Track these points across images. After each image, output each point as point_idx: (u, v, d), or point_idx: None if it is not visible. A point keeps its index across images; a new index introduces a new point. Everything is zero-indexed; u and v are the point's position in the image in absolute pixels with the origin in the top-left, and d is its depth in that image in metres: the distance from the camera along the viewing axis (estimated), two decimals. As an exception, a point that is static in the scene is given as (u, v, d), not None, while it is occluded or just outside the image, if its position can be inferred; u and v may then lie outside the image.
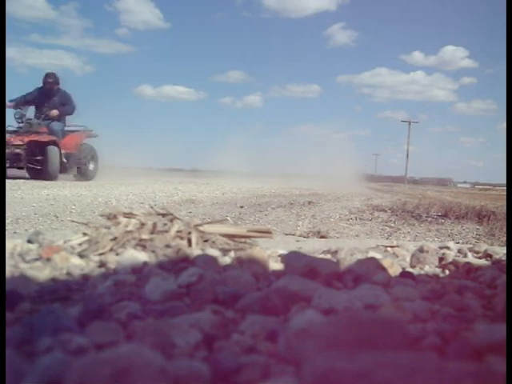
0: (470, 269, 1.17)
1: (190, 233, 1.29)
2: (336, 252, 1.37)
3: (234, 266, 1.05)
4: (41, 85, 9.06)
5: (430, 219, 4.10)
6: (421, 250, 1.31)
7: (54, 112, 8.78)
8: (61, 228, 2.53)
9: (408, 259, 1.33)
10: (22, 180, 7.28)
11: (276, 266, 1.10)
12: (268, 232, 1.44)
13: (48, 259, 1.06)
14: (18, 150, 8.24)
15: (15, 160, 8.33)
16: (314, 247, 1.63)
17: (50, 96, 8.96)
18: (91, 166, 9.65)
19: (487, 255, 1.41)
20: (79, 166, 9.32)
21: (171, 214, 1.39)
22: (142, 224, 1.30)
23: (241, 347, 0.59)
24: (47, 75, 9.02)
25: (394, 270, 1.07)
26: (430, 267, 1.25)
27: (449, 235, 3.31)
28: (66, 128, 9.20)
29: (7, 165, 8.09)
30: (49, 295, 0.82)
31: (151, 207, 1.46)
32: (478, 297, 0.88)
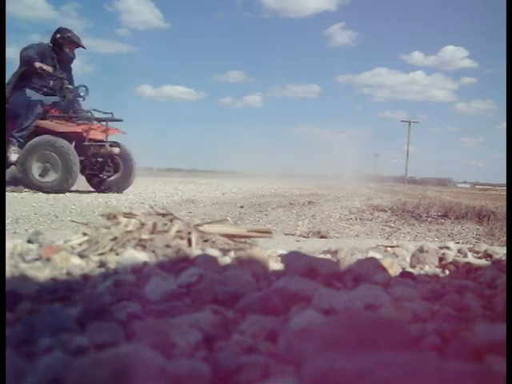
0: (469, 269, 1.17)
1: (190, 233, 1.29)
2: (336, 252, 1.37)
3: (234, 266, 1.05)
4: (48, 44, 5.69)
5: (430, 219, 4.10)
6: (421, 249, 1.31)
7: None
8: (61, 228, 2.53)
9: (408, 259, 1.33)
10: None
11: (276, 265, 1.10)
12: (268, 232, 1.44)
13: (48, 259, 1.06)
14: (110, 150, 5.53)
15: (102, 166, 5.63)
16: (313, 247, 1.63)
17: (65, 68, 5.83)
18: None
19: (487, 255, 1.41)
20: None
21: (171, 214, 1.39)
22: (142, 224, 1.30)
23: (241, 347, 0.59)
24: (71, 33, 5.71)
25: (394, 270, 1.07)
26: (430, 267, 1.25)
27: (449, 235, 3.31)
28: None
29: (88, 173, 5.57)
30: (49, 295, 0.82)
31: (151, 207, 1.46)
32: (478, 297, 0.88)
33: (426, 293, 0.89)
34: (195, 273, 0.91)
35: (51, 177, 5.31)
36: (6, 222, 2.69)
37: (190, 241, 1.26)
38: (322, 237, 2.39)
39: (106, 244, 1.19)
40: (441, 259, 1.30)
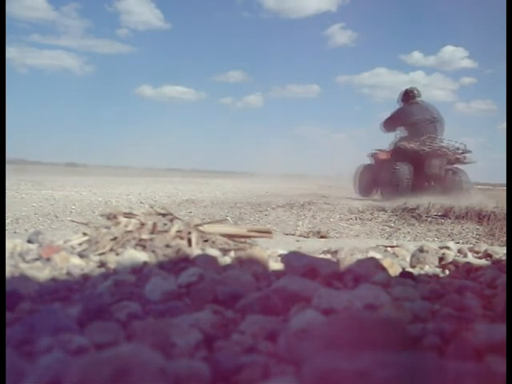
0: (469, 269, 1.17)
1: (189, 233, 1.29)
2: (336, 252, 1.37)
3: (234, 266, 1.05)
4: None
5: (430, 219, 4.10)
6: (421, 249, 1.31)
7: None
8: (61, 228, 2.54)
9: (408, 259, 1.33)
10: (21, 180, 7.27)
11: (276, 265, 1.10)
12: (268, 232, 1.44)
13: (48, 259, 1.06)
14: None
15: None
16: (314, 247, 1.63)
17: None
18: None
19: (487, 255, 1.41)
20: None
21: (171, 214, 1.39)
22: (142, 224, 1.30)
23: (241, 347, 0.59)
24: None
25: (394, 270, 1.07)
26: (430, 267, 1.25)
27: (449, 235, 3.31)
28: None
29: None
30: (49, 295, 0.82)
31: (151, 207, 1.46)
32: (478, 297, 0.88)
33: (426, 293, 0.89)
34: (195, 273, 0.91)
35: None
36: (6, 222, 2.69)
37: (189, 241, 1.26)
38: (321, 237, 2.39)
39: (105, 244, 1.19)
40: (441, 259, 1.30)
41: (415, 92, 7.46)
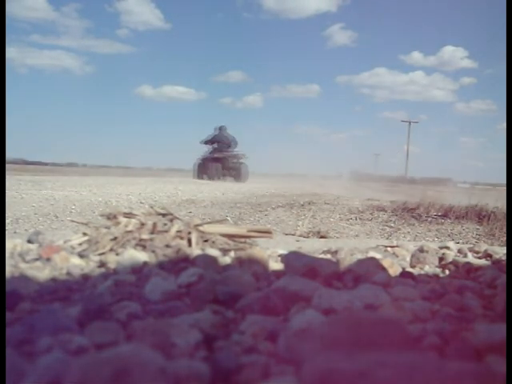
0: (469, 269, 1.17)
1: (189, 233, 1.29)
2: (336, 252, 1.37)
3: (233, 266, 1.05)
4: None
5: (430, 219, 4.10)
6: (421, 249, 1.31)
7: None
8: (61, 228, 2.54)
9: (408, 259, 1.33)
10: (21, 180, 7.28)
11: (276, 265, 1.10)
12: (268, 232, 1.44)
13: (48, 259, 1.06)
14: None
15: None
16: (313, 247, 1.63)
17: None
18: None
19: (487, 255, 1.41)
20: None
21: (171, 214, 1.39)
22: (142, 224, 1.30)
23: (241, 347, 0.59)
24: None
25: (394, 270, 1.07)
26: (430, 267, 1.25)
27: (449, 235, 3.31)
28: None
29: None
30: (49, 295, 0.82)
31: (151, 207, 1.46)
32: (478, 297, 0.88)
33: (426, 293, 0.89)
34: (195, 273, 0.91)
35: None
36: (6, 221, 2.69)
37: (189, 241, 1.26)
38: (321, 237, 2.39)
39: (105, 244, 1.19)
40: (441, 259, 1.31)
41: (224, 127, 16.47)
